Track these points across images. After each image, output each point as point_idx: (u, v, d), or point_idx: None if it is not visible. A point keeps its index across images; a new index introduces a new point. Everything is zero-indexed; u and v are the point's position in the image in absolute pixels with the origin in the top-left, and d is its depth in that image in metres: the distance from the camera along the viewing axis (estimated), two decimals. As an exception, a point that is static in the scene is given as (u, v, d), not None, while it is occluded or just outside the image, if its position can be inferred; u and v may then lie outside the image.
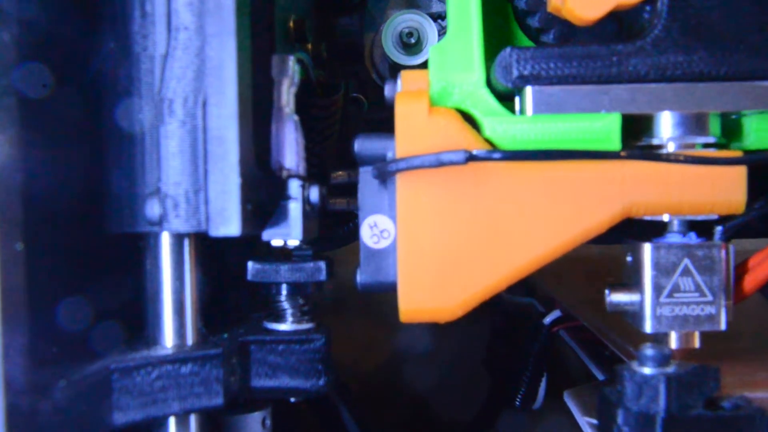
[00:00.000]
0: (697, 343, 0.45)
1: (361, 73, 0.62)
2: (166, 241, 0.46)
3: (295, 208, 0.47)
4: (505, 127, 0.45)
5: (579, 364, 0.69)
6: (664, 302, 0.44)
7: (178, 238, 0.46)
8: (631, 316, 0.46)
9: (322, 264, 0.51)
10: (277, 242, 0.48)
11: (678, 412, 0.41)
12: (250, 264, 0.51)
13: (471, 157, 0.43)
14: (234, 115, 0.42)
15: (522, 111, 0.45)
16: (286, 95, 0.46)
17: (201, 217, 0.43)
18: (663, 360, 0.42)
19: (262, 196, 0.46)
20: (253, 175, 0.45)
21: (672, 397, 0.41)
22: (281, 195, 0.47)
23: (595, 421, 0.47)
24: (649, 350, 0.42)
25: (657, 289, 0.44)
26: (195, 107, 0.42)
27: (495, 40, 0.50)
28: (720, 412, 0.42)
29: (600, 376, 0.59)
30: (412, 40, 0.58)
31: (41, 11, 0.40)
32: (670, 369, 0.42)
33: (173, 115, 0.42)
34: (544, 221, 0.44)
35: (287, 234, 0.47)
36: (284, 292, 0.52)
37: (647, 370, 0.42)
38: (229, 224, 0.42)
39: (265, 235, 0.47)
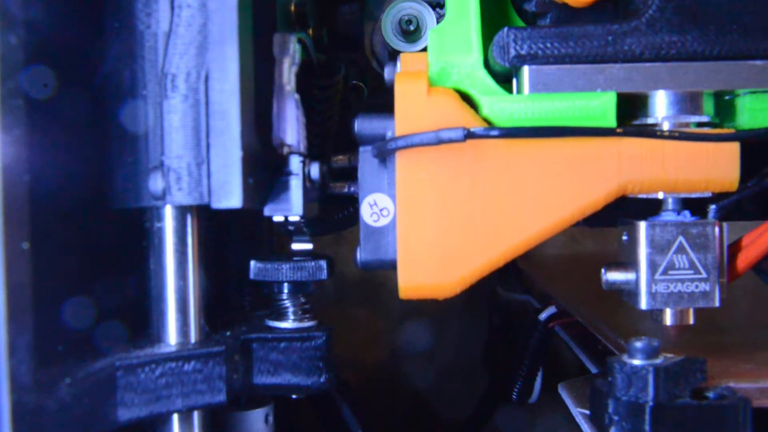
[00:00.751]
0: (691, 320, 0.46)
1: (361, 61, 0.62)
2: (169, 216, 0.46)
3: (295, 184, 0.47)
4: (503, 106, 0.45)
5: (573, 358, 0.70)
6: (659, 279, 0.45)
7: (181, 212, 0.46)
8: (626, 295, 0.47)
9: (323, 263, 0.51)
10: (278, 218, 0.48)
11: (665, 401, 0.42)
12: (252, 263, 0.52)
13: (469, 135, 0.44)
14: (236, 90, 0.42)
15: (519, 90, 0.45)
16: (288, 73, 0.47)
17: (203, 190, 0.43)
18: (652, 352, 0.43)
19: (264, 171, 0.46)
20: (255, 150, 0.45)
21: (660, 387, 0.42)
22: (282, 171, 0.47)
23: (587, 412, 0.47)
24: (638, 343, 0.43)
25: (652, 267, 0.45)
26: (197, 82, 0.43)
27: (492, 25, 0.51)
28: (705, 402, 0.43)
29: (593, 369, 0.59)
30: (412, 28, 0.58)
31: (46, 12, 0.40)
32: (659, 360, 0.43)
33: (176, 90, 0.43)
34: (541, 198, 0.45)
35: (288, 209, 0.47)
36: (286, 290, 0.52)
37: (637, 362, 0.43)
38: (230, 197, 0.43)
39: (266, 210, 0.48)
